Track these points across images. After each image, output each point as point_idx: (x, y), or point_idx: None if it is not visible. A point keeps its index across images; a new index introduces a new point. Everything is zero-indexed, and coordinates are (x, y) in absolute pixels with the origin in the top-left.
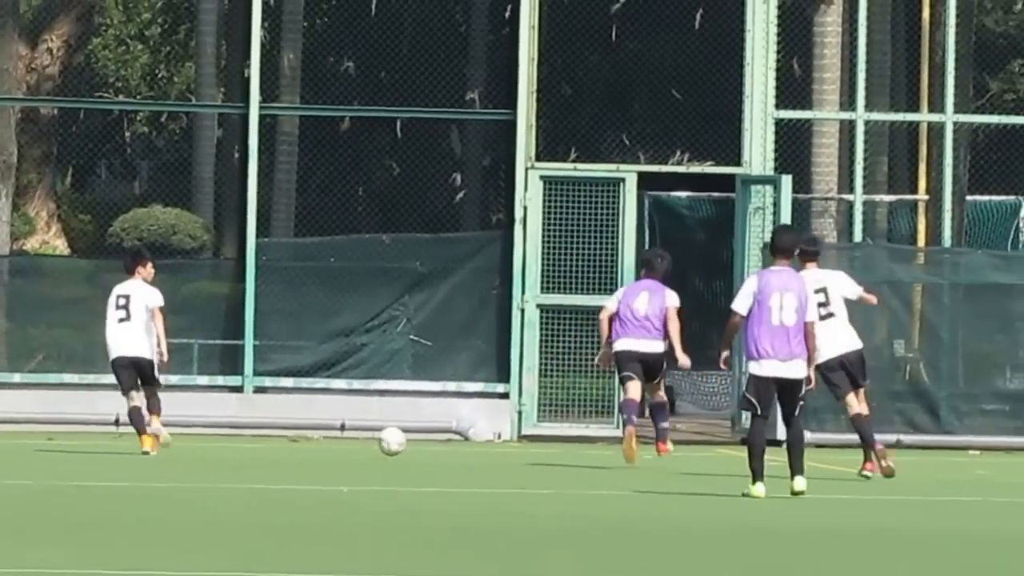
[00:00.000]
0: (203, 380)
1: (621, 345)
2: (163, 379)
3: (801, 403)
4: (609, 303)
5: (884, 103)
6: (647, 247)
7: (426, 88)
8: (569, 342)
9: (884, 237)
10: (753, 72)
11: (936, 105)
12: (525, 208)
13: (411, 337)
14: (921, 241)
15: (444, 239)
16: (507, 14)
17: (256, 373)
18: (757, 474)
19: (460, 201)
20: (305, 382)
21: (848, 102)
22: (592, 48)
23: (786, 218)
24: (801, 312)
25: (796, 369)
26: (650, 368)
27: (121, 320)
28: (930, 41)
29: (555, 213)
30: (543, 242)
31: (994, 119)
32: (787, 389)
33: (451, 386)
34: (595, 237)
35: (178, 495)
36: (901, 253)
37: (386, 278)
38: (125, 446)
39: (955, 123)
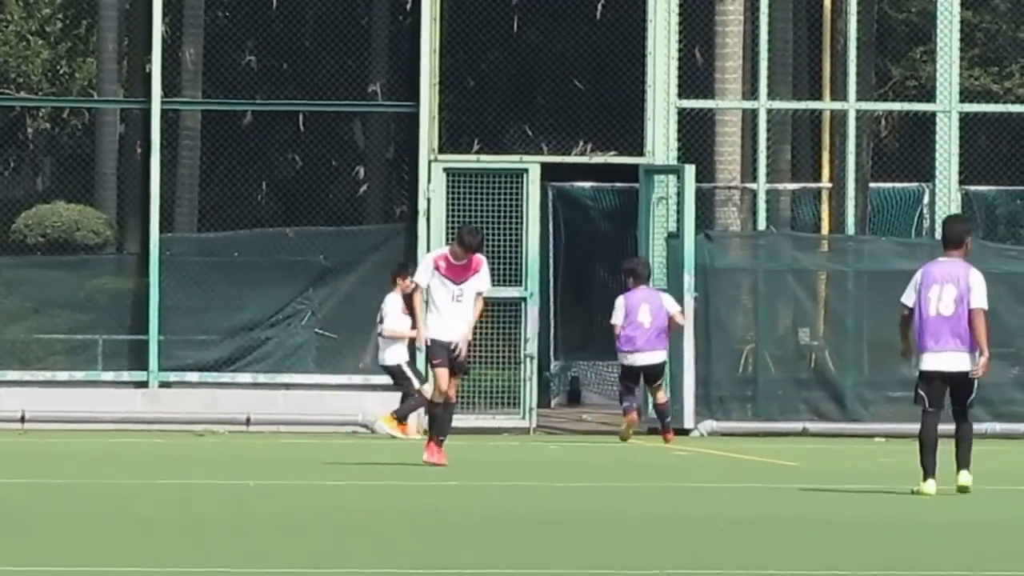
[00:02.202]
0: (108, 376)
1: (633, 360)
2: (69, 375)
3: (971, 398)
4: (618, 319)
5: (786, 91)
6: (551, 238)
7: (328, 81)
8: (475, 334)
9: (788, 225)
10: (655, 62)
11: (838, 93)
12: (429, 200)
13: (316, 330)
14: (825, 229)
15: (348, 232)
16: (408, 6)
17: (161, 368)
18: (927, 471)
19: (363, 194)
20: (210, 377)
21: (750, 91)
22: (494, 39)
23: (690, 207)
24: (961, 303)
25: (956, 361)
26: (652, 375)
27: (379, 334)
28: (832, 29)
29: (459, 205)
30: (447, 234)
31: (896, 106)
32: (952, 383)
33: (356, 379)
34: (499, 228)
35: (84, 491)
36: (805, 241)
37: (290, 272)
38: (30, 443)
39: (857, 111)
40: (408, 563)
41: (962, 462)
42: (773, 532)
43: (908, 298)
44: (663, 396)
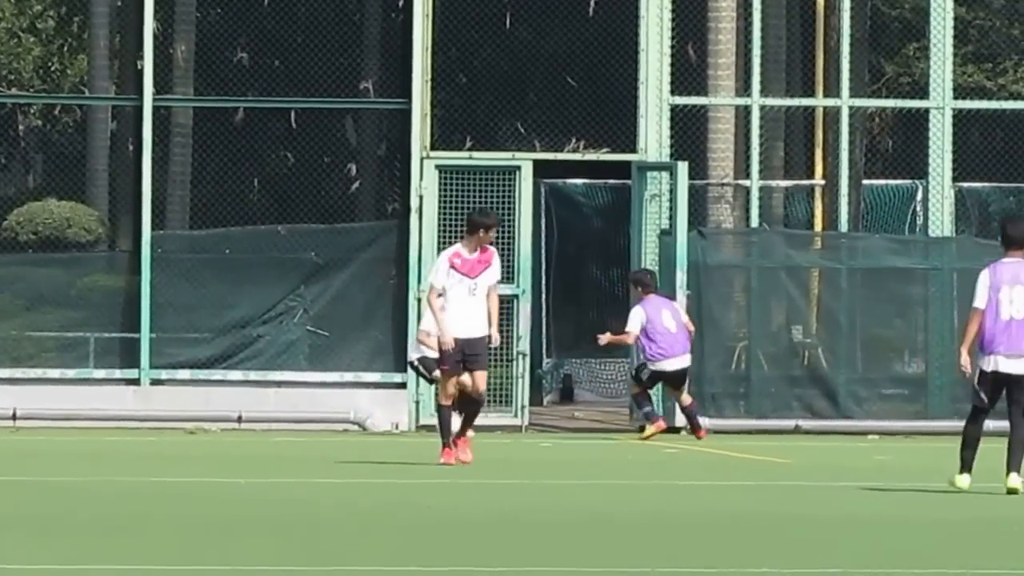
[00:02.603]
0: (100, 373)
1: (664, 365)
2: (60, 373)
3: None
4: (634, 327)
5: (779, 88)
6: (544, 235)
7: (320, 78)
8: None
9: (781, 222)
10: (648, 58)
11: (831, 90)
12: (421, 197)
13: (308, 328)
14: (818, 226)
15: (340, 229)
16: (401, 3)
17: (152, 366)
18: (965, 464)
19: (356, 191)
20: (202, 374)
21: (743, 87)
22: (486, 36)
23: (683, 204)
24: None
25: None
26: (680, 379)
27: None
28: (825, 25)
29: (451, 202)
30: (439, 231)
31: (890, 103)
32: (1014, 385)
33: (348, 376)
34: None
35: (75, 489)
36: (798, 238)
37: (282, 269)
38: (22, 440)
39: (851, 107)
40: (399, 560)
41: (1012, 465)
42: (765, 530)
43: (981, 300)
44: (688, 398)
